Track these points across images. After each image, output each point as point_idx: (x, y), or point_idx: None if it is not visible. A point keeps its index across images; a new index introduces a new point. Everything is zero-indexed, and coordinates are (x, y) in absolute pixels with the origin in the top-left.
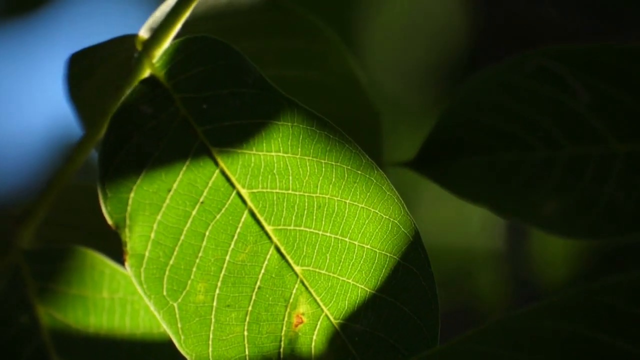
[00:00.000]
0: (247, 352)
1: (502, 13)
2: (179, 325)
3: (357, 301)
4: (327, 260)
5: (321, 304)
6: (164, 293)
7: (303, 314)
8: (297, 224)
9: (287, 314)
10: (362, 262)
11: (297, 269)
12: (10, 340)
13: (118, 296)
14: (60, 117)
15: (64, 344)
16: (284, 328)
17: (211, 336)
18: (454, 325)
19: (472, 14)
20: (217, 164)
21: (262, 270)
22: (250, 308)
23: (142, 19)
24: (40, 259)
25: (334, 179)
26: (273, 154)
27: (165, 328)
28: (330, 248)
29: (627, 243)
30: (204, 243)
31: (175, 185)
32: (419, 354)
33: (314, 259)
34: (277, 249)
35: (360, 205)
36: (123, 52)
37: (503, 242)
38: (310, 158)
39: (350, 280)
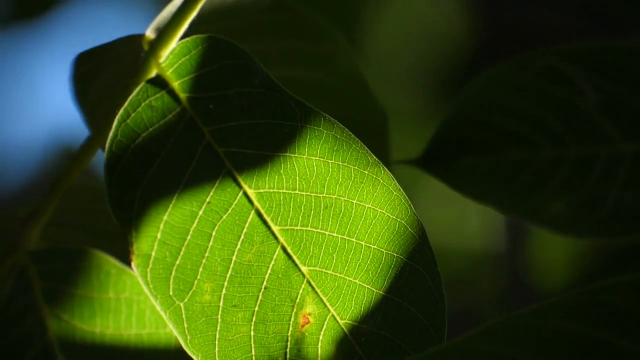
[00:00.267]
0: (253, 352)
1: (504, 16)
2: (186, 325)
3: (364, 301)
4: (334, 261)
5: (328, 304)
6: (171, 293)
7: (310, 314)
8: (303, 224)
9: (293, 314)
10: (368, 262)
11: (304, 269)
12: (16, 341)
13: (124, 296)
14: (65, 118)
15: (70, 345)
16: (291, 328)
17: (217, 336)
18: (458, 327)
19: (473, 18)
20: (223, 164)
21: (269, 271)
22: (256, 308)
23: (148, 23)
24: (46, 259)
25: (340, 179)
26: (280, 154)
27: (172, 328)
28: (337, 248)
29: (631, 245)
30: (211, 243)
31: (181, 185)
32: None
33: (321, 259)
34: (284, 249)
35: (367, 206)
36: (130, 52)
37: (502, 243)
38: (317, 158)
39: (357, 281)
